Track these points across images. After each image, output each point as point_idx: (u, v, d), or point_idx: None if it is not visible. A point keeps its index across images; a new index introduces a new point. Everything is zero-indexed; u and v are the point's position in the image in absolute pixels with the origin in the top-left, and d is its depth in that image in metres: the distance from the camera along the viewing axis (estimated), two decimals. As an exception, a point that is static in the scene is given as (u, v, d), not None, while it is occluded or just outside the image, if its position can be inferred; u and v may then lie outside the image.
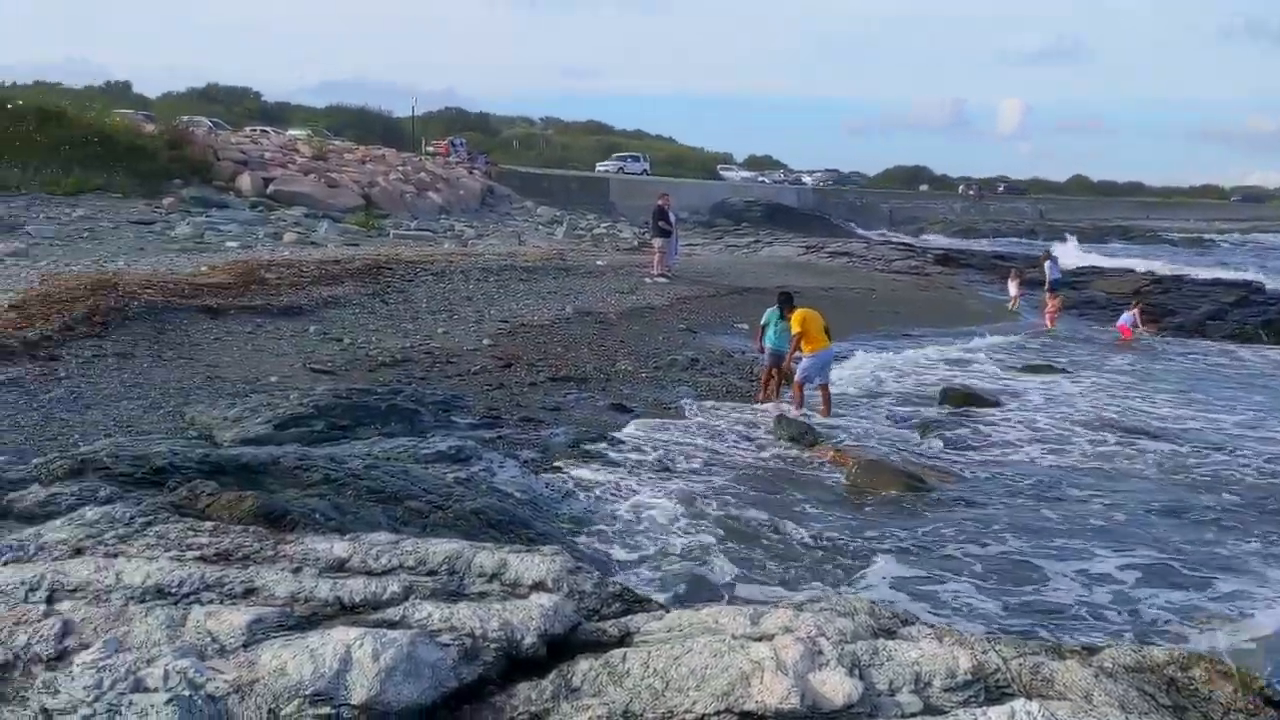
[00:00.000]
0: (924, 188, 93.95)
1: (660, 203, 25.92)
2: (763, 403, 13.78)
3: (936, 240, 58.83)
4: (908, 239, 55.54)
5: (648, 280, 24.38)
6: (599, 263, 26.84)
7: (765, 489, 10.11)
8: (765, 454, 11.43)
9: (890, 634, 4.56)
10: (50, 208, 24.15)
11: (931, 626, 4.63)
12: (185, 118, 43.43)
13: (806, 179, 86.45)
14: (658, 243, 25.59)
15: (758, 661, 4.04)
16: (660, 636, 4.46)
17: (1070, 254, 45.38)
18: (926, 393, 15.51)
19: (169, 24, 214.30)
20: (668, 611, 4.90)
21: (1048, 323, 25.05)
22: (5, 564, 4.92)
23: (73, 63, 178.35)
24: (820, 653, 4.16)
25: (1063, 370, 18.43)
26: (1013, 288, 28.21)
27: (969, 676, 4.00)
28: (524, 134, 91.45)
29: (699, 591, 7.31)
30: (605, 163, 68.57)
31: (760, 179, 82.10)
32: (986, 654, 4.18)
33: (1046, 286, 25.59)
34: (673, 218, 26.10)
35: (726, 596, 7.22)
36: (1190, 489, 11.13)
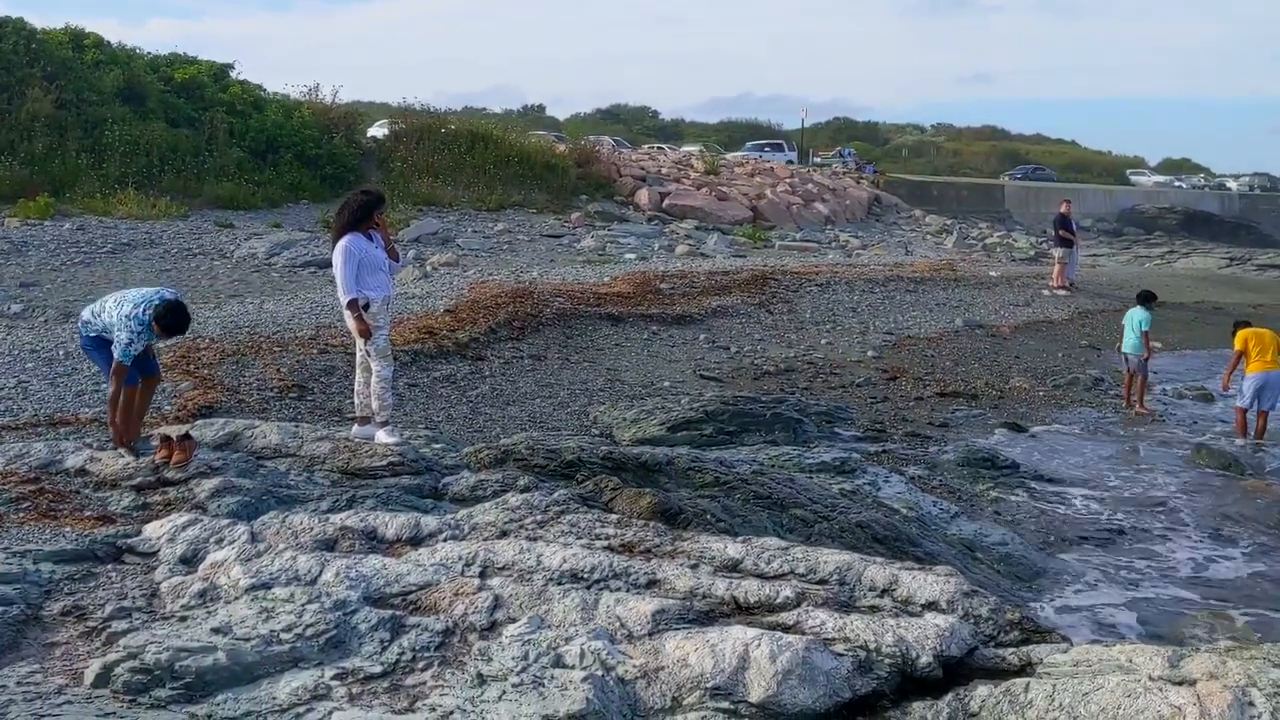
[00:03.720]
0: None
1: (1062, 210, 24.47)
2: (1138, 410, 13.29)
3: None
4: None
5: (1046, 292, 23.08)
6: (992, 274, 25.76)
7: (1176, 521, 9.23)
8: (1184, 478, 10.45)
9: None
10: (477, 222, 26.84)
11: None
12: (590, 137, 46.67)
13: (1231, 184, 77.74)
14: (1058, 253, 24.17)
15: (1178, 707, 3.73)
16: (1066, 670, 4.21)
17: None
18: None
19: (580, 53, 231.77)
20: (1073, 644, 4.63)
21: None
22: (445, 540, 5.54)
23: (498, 90, 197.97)
24: (1251, 704, 3.76)
25: None
26: None
27: None
28: (913, 141, 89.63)
29: (1104, 626, 6.82)
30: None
31: (1176, 184, 75.03)
32: None
33: None
34: (1074, 226, 24.53)
35: (1128, 632, 6.68)
36: None
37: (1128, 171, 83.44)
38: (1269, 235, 54.95)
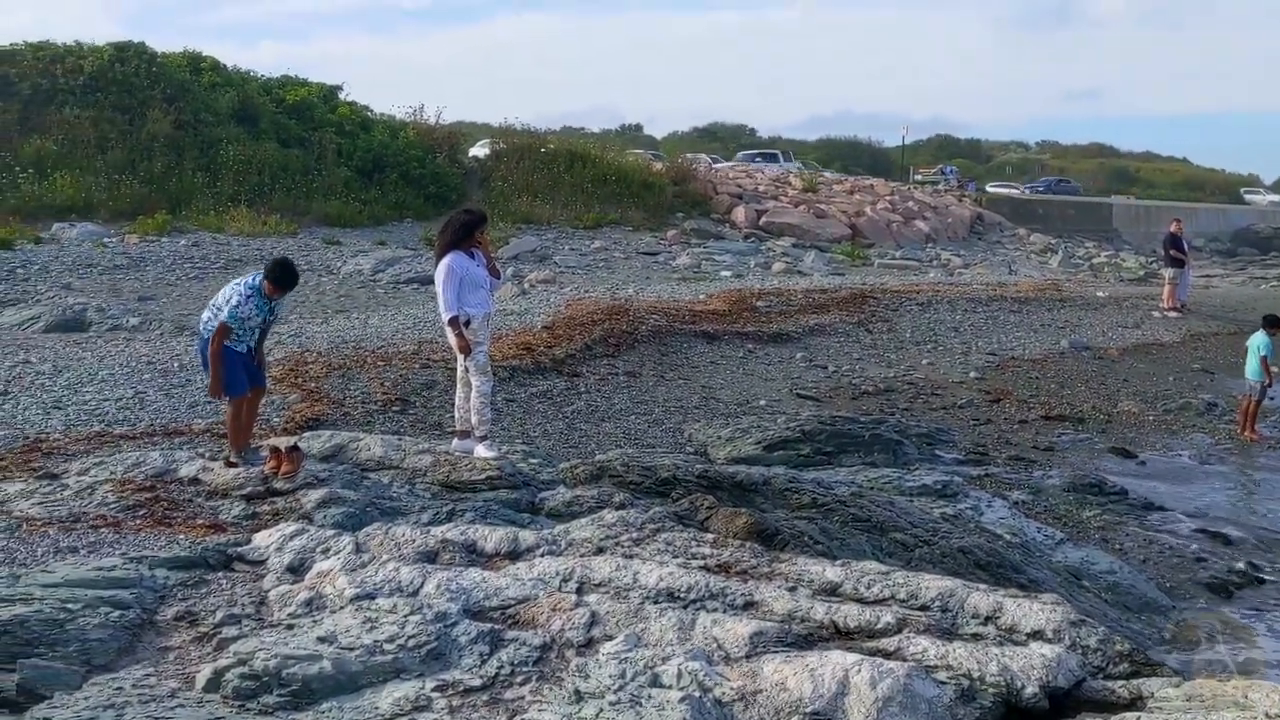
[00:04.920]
0: None
1: (1172, 229, 23.70)
2: (1249, 436, 12.81)
3: None
4: None
5: (1156, 314, 22.34)
6: (1099, 294, 25.04)
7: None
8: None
9: None
10: (574, 240, 27.12)
11: None
12: (687, 155, 46.79)
13: None
14: (1169, 273, 23.40)
15: (1301, 751, 3.55)
16: (1178, 705, 4.06)
17: None
18: None
19: (678, 71, 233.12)
20: (1186, 678, 4.46)
21: None
22: (542, 555, 5.59)
23: (597, 110, 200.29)
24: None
25: None
26: None
27: None
28: (1017, 159, 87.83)
29: (1218, 662, 6.55)
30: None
31: (1295, 202, 72.07)
32: None
33: None
34: (1186, 246, 23.74)
35: (1246, 669, 6.39)
36: None
37: (1242, 190, 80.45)
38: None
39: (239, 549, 5.87)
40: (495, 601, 4.75)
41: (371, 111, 32.47)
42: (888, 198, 39.98)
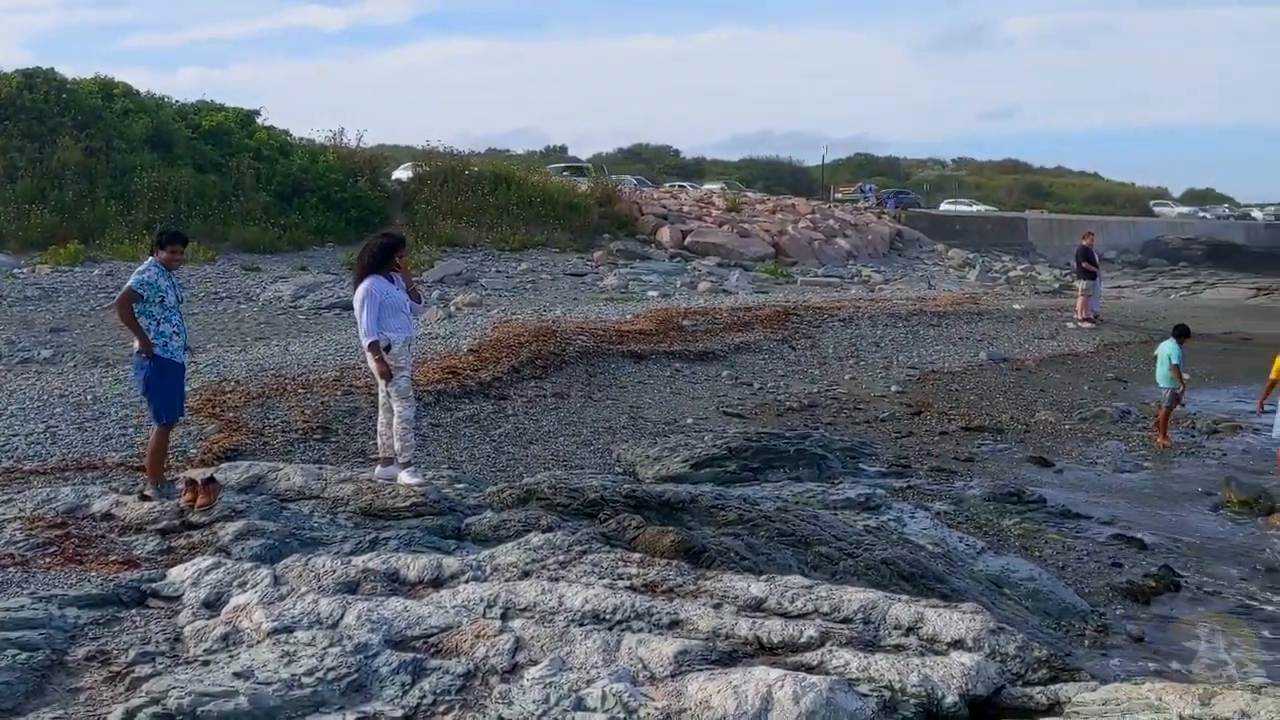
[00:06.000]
0: None
1: (1084, 242, 24.42)
2: (1160, 442, 13.14)
3: None
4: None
5: (1070, 325, 22.95)
6: (1015, 307, 25.64)
7: (1212, 560, 9.09)
8: (1209, 518, 10.31)
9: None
10: (500, 262, 27.01)
11: None
12: (613, 176, 46.91)
13: (1257, 214, 77.26)
14: (1081, 285, 24.08)
15: (1211, 749, 3.65)
16: (1094, 709, 4.15)
17: None
18: None
19: (602, 94, 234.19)
20: (1102, 683, 4.55)
21: None
22: (466, 581, 5.53)
23: (521, 132, 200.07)
24: (1288, 746, 3.68)
25: None
26: None
27: None
28: (935, 176, 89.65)
29: (1136, 665, 6.71)
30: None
31: (1200, 214, 74.63)
32: None
33: None
34: (1097, 258, 24.44)
35: (1162, 672, 6.56)
36: None
37: (1151, 203, 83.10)
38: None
39: (153, 585, 5.71)
40: (418, 631, 4.69)
41: (291, 136, 32.03)
42: (809, 216, 40.51)
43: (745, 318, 20.02)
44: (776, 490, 9.51)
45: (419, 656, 4.44)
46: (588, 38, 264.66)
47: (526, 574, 5.58)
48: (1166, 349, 13.32)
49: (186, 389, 8.27)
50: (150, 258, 7.60)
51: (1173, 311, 26.45)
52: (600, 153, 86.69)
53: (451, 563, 5.64)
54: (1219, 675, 6.57)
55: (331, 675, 4.29)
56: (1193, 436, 13.90)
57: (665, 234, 33.81)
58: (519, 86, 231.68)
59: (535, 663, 4.29)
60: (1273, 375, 12.04)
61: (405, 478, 7.71)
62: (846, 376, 16.32)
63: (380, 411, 8.03)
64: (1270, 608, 8.08)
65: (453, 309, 19.65)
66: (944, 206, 63.09)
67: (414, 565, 5.59)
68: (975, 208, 62.57)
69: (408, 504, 7.26)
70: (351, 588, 5.36)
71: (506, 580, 5.43)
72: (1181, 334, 13.54)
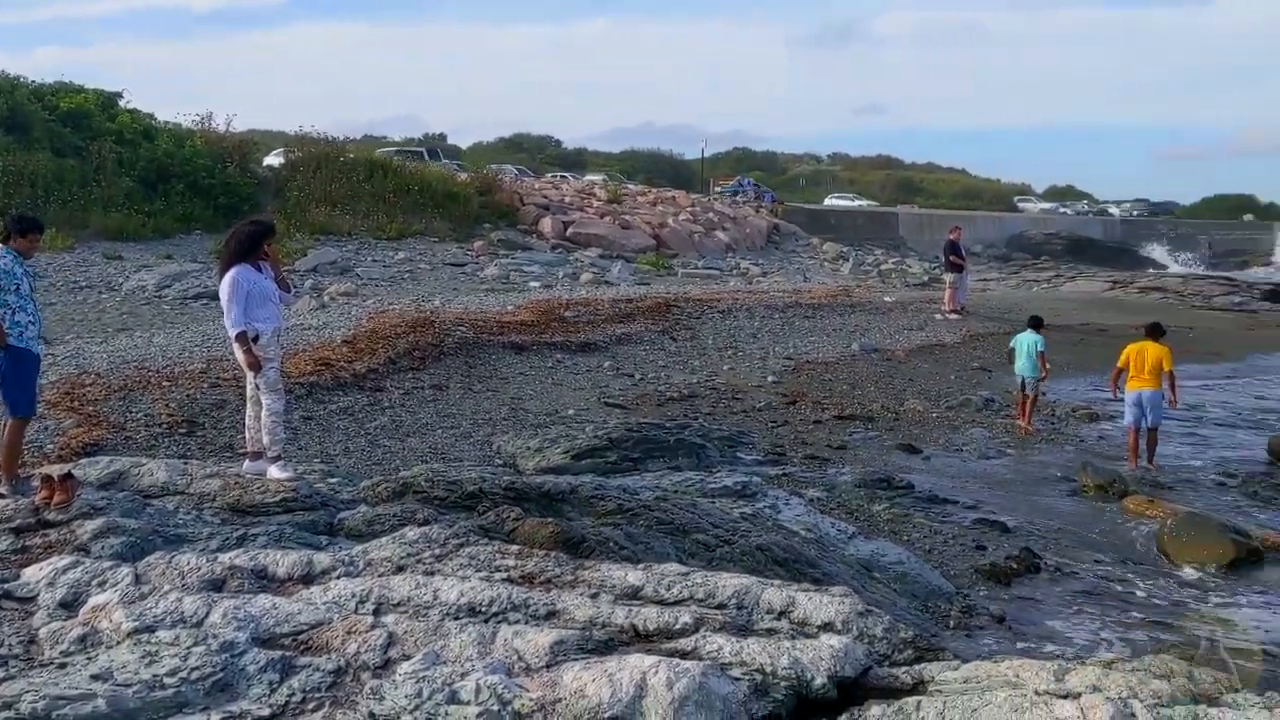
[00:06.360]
0: (1248, 218, 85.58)
1: (952, 236, 25.22)
2: (1024, 428, 13.75)
3: (1270, 274, 53.41)
4: (1231, 273, 50.80)
5: (938, 317, 23.69)
6: (886, 299, 26.36)
7: (1069, 542, 9.52)
8: (1067, 502, 10.78)
9: (1213, 701, 4.17)
10: (377, 251, 26.52)
11: (1262, 695, 4.18)
12: (493, 166, 46.49)
13: (1114, 210, 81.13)
14: (949, 278, 24.87)
15: (1062, 720, 3.82)
16: (956, 687, 4.29)
17: None
18: (1252, 445, 14.04)
19: (482, 82, 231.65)
20: (964, 661, 4.72)
21: None
22: (338, 577, 5.42)
23: (399, 119, 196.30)
24: (1132, 715, 3.88)
25: None
26: None
27: (1311, 757, 3.60)
28: (810, 171, 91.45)
29: (998, 644, 6.98)
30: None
31: (1061, 210, 77.95)
32: (1334, 734, 3.74)
33: None
34: (964, 252, 25.29)
35: (1023, 650, 6.85)
36: None
37: (1015, 198, 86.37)
38: (1148, 259, 57.39)
39: (6, 585, 5.43)
40: (287, 628, 4.58)
41: (156, 120, 30.82)
42: (690, 209, 40.89)
43: (627, 309, 20.11)
44: (656, 480, 9.59)
45: (288, 654, 4.33)
46: (467, 24, 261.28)
47: (401, 568, 5.49)
48: (1029, 339, 13.87)
49: (42, 382, 7.91)
50: (2, 245, 7.21)
51: (1034, 304, 27.56)
52: (481, 141, 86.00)
53: (323, 558, 5.52)
54: (1074, 651, 6.88)
55: (195, 675, 4.15)
56: (1052, 424, 14.51)
57: (547, 225, 33.70)
58: (397, 73, 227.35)
59: (408, 657, 4.24)
60: (1119, 363, 12.63)
61: (275, 472, 7.51)
62: (725, 367, 16.54)
63: (248, 404, 7.80)
64: (1121, 587, 8.50)
65: (327, 299, 19.22)
66: (829, 201, 64.65)
67: (283, 561, 5.45)
68: (858, 202, 64.24)
69: (278, 499, 7.07)
70: (217, 585, 5.20)
71: (380, 575, 5.34)
72: (1037, 324, 14.17)
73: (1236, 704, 4.11)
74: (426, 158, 42.42)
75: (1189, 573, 8.89)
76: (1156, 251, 61.29)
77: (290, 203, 28.81)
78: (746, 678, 4.12)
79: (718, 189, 56.14)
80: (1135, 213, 79.49)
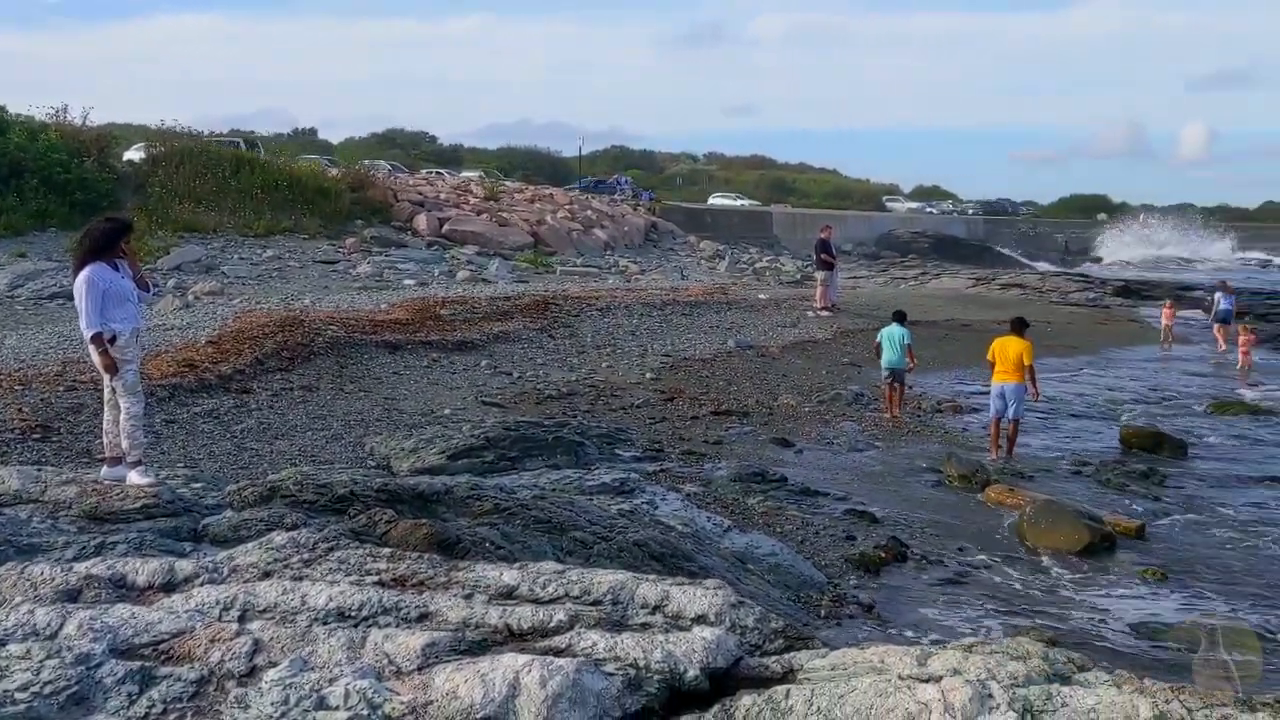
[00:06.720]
0: (1102, 217, 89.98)
1: (823, 235, 25.77)
2: (892, 418, 14.31)
3: (1118, 271, 56.21)
4: (1085, 270, 53.29)
5: (810, 314, 24.20)
6: (761, 297, 26.80)
7: (935, 531, 9.85)
8: (932, 492, 11.16)
9: (1066, 679, 4.38)
10: (244, 249, 25.75)
11: (1110, 673, 4.41)
12: (366, 161, 45.60)
13: (973, 209, 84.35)
14: (820, 275, 25.43)
15: (924, 703, 3.95)
16: (824, 674, 4.40)
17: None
18: (1105, 434, 14.77)
19: (353, 76, 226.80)
20: (832, 649, 4.84)
21: (1240, 359, 23.51)
22: (202, 584, 5.26)
23: (267, 113, 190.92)
24: (990, 696, 4.03)
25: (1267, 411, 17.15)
26: (1165, 318, 26.56)
27: (1151, 728, 3.81)
28: (687, 170, 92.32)
29: (866, 631, 7.18)
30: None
31: (928, 210, 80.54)
32: (1169, 703, 3.96)
33: (1213, 318, 24.83)
34: (835, 250, 25.89)
35: (890, 637, 7.07)
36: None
37: (884, 198, 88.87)
38: (1009, 257, 59.76)
39: None
40: (146, 638, 4.42)
41: (7, 112, 29.27)
42: (568, 206, 40.84)
43: (505, 307, 19.99)
44: (534, 478, 9.55)
45: (147, 664, 4.18)
46: (335, 17, 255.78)
47: (268, 574, 5.35)
48: (896, 332, 14.32)
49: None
50: None
51: (901, 300, 28.39)
52: (353, 137, 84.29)
53: (185, 565, 5.34)
54: (938, 637, 7.13)
55: (49, 689, 3.98)
56: (918, 416, 14.99)
57: (422, 222, 33.21)
58: (263, 66, 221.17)
59: (275, 664, 4.13)
60: (988, 356, 13.13)
61: (135, 478, 7.23)
62: (604, 365, 16.59)
63: (106, 408, 7.49)
64: (984, 573, 8.84)
65: (190, 298, 18.59)
66: (713, 200, 65.48)
67: (143, 569, 5.26)
68: (740, 202, 65.19)
69: (138, 506, 6.81)
70: (73, 596, 4.99)
71: (246, 581, 5.19)
72: (901, 318, 14.72)
73: (1087, 682, 4.32)
74: (244, 148, 41.23)
75: (1046, 559, 9.30)
76: (1014, 249, 63.94)
77: (152, 199, 27.72)
78: (620, 673, 4.14)
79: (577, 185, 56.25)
80: (970, 210, 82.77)
